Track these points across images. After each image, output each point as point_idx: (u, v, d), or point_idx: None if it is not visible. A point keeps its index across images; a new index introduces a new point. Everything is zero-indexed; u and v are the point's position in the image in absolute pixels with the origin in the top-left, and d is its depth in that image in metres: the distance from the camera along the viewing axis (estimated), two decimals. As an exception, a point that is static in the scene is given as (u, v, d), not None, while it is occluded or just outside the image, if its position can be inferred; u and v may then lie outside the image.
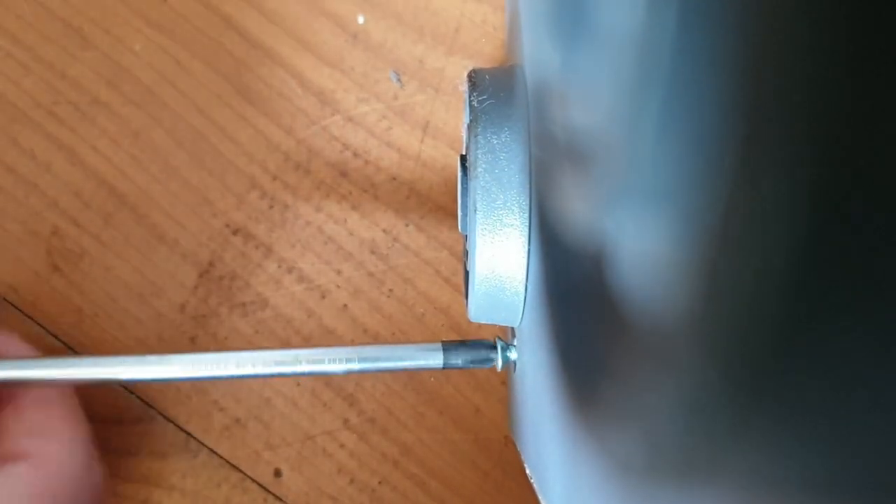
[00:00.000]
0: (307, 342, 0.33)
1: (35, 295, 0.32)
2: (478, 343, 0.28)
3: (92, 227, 0.33)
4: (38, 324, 0.32)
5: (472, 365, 0.28)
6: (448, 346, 0.27)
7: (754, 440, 0.11)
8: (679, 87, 0.11)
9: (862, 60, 0.08)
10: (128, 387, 0.32)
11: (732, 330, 0.11)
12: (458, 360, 0.27)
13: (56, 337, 0.32)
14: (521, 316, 0.25)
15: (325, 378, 0.33)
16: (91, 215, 0.33)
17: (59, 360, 0.27)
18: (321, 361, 0.27)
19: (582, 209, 0.17)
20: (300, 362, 0.27)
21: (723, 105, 0.10)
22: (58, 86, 0.33)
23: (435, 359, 0.27)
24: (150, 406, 0.32)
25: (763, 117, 0.10)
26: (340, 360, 0.27)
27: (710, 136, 0.11)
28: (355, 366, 0.27)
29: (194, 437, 0.33)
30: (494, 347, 0.27)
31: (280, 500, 0.33)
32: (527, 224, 0.23)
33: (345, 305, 0.33)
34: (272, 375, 0.27)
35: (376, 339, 0.33)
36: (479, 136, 0.23)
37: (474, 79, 0.25)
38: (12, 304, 0.32)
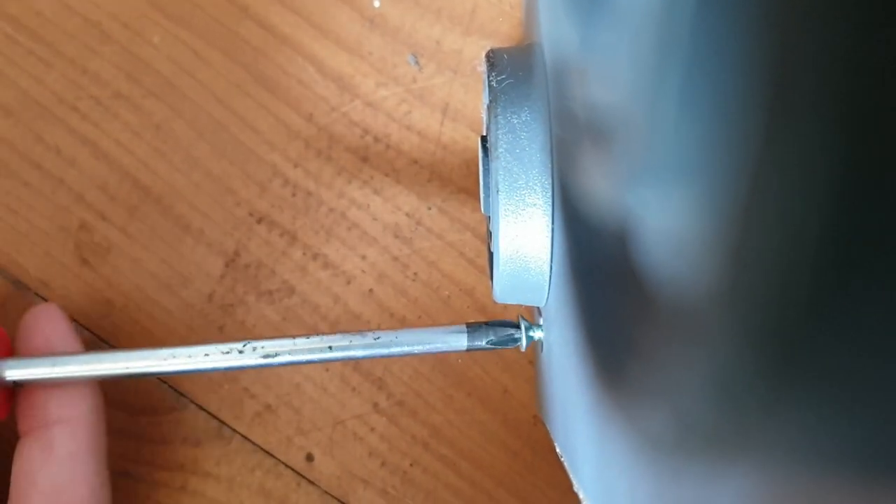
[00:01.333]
0: (334, 327, 0.33)
1: (65, 289, 0.33)
2: (501, 323, 0.28)
3: (118, 220, 0.33)
4: (70, 317, 0.33)
5: (496, 346, 0.28)
6: (472, 328, 0.28)
7: (785, 414, 0.11)
8: (700, 59, 0.11)
9: (881, 42, 0.08)
10: (160, 377, 0.33)
11: (761, 304, 0.11)
12: (482, 341, 0.27)
13: (88, 329, 0.33)
14: (546, 295, 0.25)
15: (353, 363, 0.33)
16: (117, 208, 0.33)
17: (94, 356, 0.27)
18: (345, 348, 0.27)
19: (604, 187, 0.17)
20: (323, 349, 0.27)
21: (746, 76, 0.10)
22: (79, 81, 0.33)
23: (459, 341, 0.27)
24: (182, 395, 0.33)
25: (788, 88, 0.10)
26: (363, 346, 0.27)
27: (734, 108, 0.11)
28: (378, 350, 0.27)
29: (227, 425, 0.33)
30: (518, 327, 0.27)
31: (313, 483, 0.33)
32: (550, 203, 0.23)
33: (370, 290, 0.33)
34: (296, 363, 0.27)
35: (403, 323, 0.33)
36: (500, 117, 0.23)
37: (492, 59, 0.25)
38: (43, 299, 0.33)
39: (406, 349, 0.27)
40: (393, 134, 0.33)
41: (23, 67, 0.33)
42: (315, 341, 0.28)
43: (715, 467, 0.14)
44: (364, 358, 0.28)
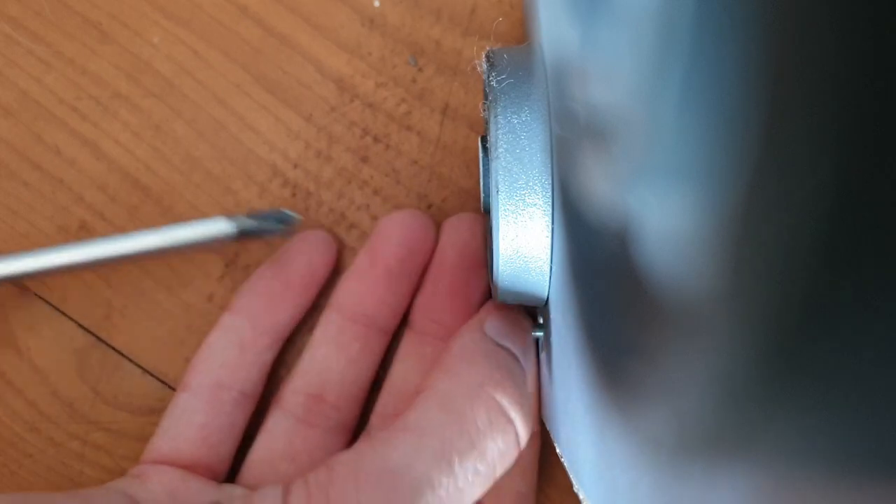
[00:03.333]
0: (334, 328, 0.33)
1: (65, 289, 0.33)
2: (269, 213, 0.28)
3: (118, 220, 0.33)
4: (69, 317, 0.33)
5: (265, 233, 0.28)
6: (234, 216, 0.28)
7: (785, 415, 0.11)
8: (700, 60, 0.11)
9: (885, 35, 0.08)
10: (161, 378, 0.33)
11: (761, 305, 0.11)
12: (249, 226, 0.27)
13: (87, 330, 0.33)
14: (546, 296, 0.25)
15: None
16: (117, 209, 0.33)
17: None
18: (93, 249, 0.28)
19: (605, 187, 0.17)
20: (74, 252, 0.28)
21: (746, 77, 0.10)
22: (79, 81, 0.33)
23: (226, 228, 0.27)
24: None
25: (788, 89, 0.10)
26: (117, 247, 0.27)
27: (734, 109, 0.11)
28: (135, 247, 0.27)
29: (226, 425, 0.33)
30: (286, 218, 0.27)
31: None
32: (549, 203, 0.23)
33: (370, 290, 0.33)
34: (50, 270, 0.28)
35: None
36: (500, 117, 0.23)
37: (492, 59, 0.25)
38: (43, 299, 0.33)
39: (168, 243, 0.27)
40: (393, 134, 0.33)
41: (23, 67, 0.33)
42: (65, 248, 0.28)
43: (715, 467, 0.14)
44: (120, 258, 0.28)
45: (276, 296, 0.30)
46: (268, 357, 0.31)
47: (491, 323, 0.25)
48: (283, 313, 0.31)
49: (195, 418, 0.29)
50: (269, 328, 0.30)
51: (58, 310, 0.33)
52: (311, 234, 0.31)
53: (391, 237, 0.30)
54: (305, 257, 0.31)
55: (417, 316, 0.31)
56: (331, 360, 0.30)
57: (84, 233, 0.33)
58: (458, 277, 0.30)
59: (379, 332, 0.31)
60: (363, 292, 0.30)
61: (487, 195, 0.25)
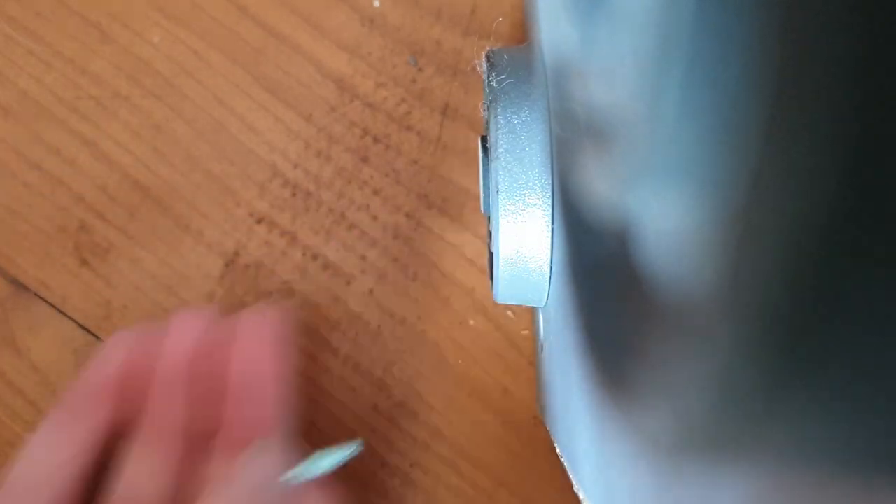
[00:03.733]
0: (335, 328, 0.33)
1: (65, 289, 0.33)
2: None
3: (118, 220, 0.33)
4: (69, 317, 0.33)
5: None
6: None
7: (785, 415, 0.11)
8: (701, 60, 0.11)
9: (880, 41, 0.08)
10: (159, 377, 0.33)
11: (761, 305, 0.11)
12: None
13: (87, 330, 0.33)
14: (546, 296, 0.25)
15: (354, 364, 0.33)
16: (117, 209, 0.33)
17: None
18: None
19: (604, 187, 0.17)
20: None
21: (746, 77, 0.10)
22: (79, 81, 0.33)
23: None
24: (182, 395, 0.33)
25: (789, 88, 0.09)
26: None
27: (734, 108, 0.11)
28: None
29: (226, 425, 0.33)
30: None
31: (313, 484, 0.33)
32: (549, 203, 0.23)
33: (370, 290, 0.33)
34: None
35: (403, 323, 0.33)
36: (500, 117, 0.23)
37: (492, 59, 0.25)
38: (43, 300, 0.33)
39: None
40: (393, 134, 0.33)
41: (22, 67, 0.33)
42: None
43: (716, 467, 0.14)
44: None
45: (87, 399, 0.29)
46: (84, 461, 0.29)
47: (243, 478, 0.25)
48: (98, 416, 0.29)
49: None
50: (84, 431, 0.29)
51: (58, 310, 0.33)
52: (119, 335, 0.30)
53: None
54: (116, 359, 0.29)
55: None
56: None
57: (84, 233, 0.33)
58: (228, 384, 0.29)
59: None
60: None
61: (487, 195, 0.25)
